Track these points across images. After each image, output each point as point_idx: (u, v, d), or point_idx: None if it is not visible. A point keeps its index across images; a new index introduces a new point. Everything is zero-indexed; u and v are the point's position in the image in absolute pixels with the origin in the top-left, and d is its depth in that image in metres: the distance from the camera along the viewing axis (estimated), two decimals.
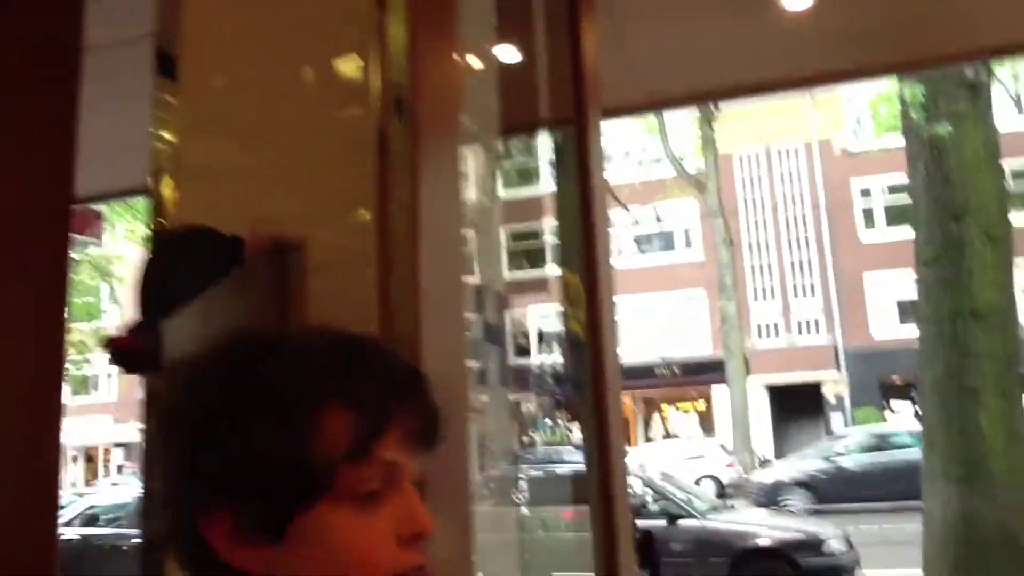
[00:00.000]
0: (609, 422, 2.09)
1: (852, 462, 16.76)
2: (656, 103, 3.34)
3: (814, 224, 25.93)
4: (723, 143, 23.42)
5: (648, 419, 28.70)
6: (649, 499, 10.01)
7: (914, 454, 13.80)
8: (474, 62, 1.77)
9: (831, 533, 9.78)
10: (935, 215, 7.14)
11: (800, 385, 25.14)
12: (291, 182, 1.32)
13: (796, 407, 25.13)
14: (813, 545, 9.49)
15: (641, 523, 8.79)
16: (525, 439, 29.82)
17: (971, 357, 6.82)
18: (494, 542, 1.71)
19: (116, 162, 1.87)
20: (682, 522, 9.79)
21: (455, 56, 1.32)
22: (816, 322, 25.73)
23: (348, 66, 1.27)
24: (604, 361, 2.09)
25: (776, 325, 26.14)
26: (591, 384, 2.11)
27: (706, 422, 27.22)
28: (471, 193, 2.14)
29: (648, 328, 27.47)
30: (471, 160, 2.07)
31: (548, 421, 29.82)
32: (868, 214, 24.95)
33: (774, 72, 3.43)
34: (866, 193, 24.89)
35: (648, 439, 27.30)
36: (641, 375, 27.04)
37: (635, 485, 10.35)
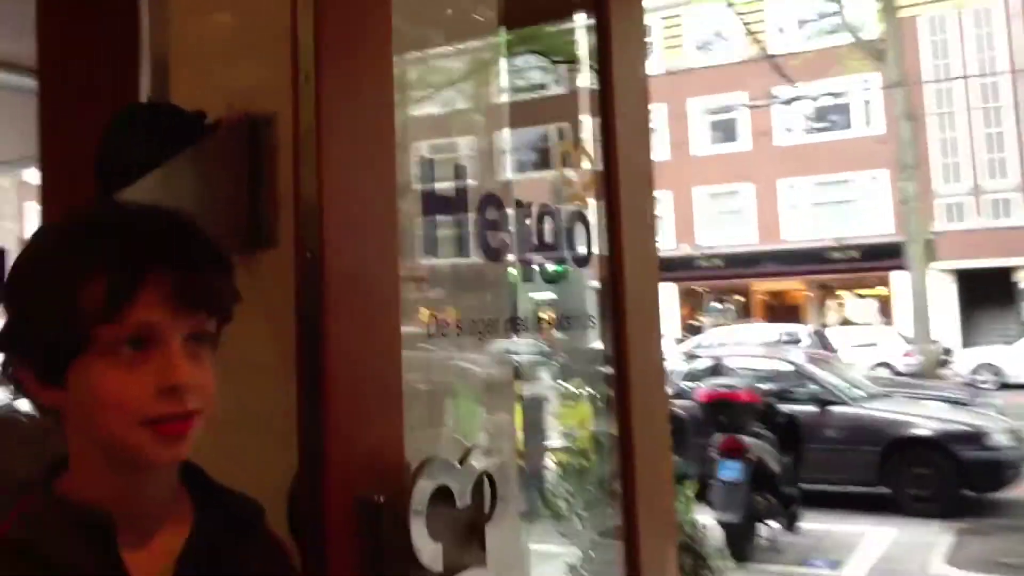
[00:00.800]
0: (626, 331, 2.09)
1: None
2: None
3: (1011, 93, 23.52)
4: (907, 6, 21.45)
5: (823, 305, 27.79)
6: (797, 384, 9.78)
7: None
8: None
9: (997, 426, 9.26)
10: None
11: (991, 270, 23.43)
12: (263, 56, 1.37)
13: (985, 295, 23.52)
14: (975, 437, 9.03)
15: (788, 408, 8.69)
16: (694, 322, 29.73)
17: None
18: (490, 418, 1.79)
19: None
20: (834, 408, 9.54)
21: None
22: (1011, 202, 23.67)
23: None
24: (621, 262, 2.06)
25: (965, 205, 24.27)
26: (610, 288, 2.10)
27: (886, 309, 26.04)
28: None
29: (824, 210, 26.26)
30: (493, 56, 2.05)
31: (718, 304, 29.48)
32: None
33: None
34: None
35: (823, 326, 26.50)
36: (815, 259, 26.05)
37: (781, 369, 10.14)
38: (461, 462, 1.28)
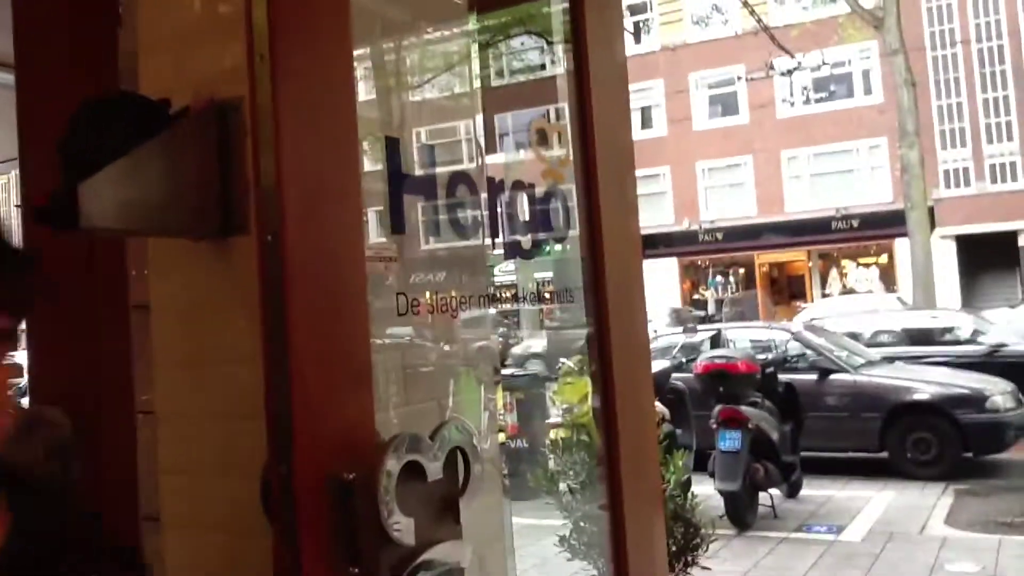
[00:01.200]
0: (607, 308, 2.10)
1: None
2: None
3: (1011, 56, 23.34)
4: None
5: (825, 275, 27.76)
6: (797, 354, 9.79)
7: None
8: None
9: (998, 389, 9.27)
10: None
11: (993, 235, 23.38)
12: (230, 40, 1.36)
13: (987, 259, 23.48)
14: (975, 401, 9.05)
15: (787, 377, 8.71)
16: (696, 296, 29.77)
17: None
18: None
19: None
20: (834, 377, 9.54)
21: None
22: (1012, 166, 23.57)
23: None
24: (600, 243, 2.07)
25: (966, 171, 24.18)
26: (590, 265, 2.11)
27: (888, 277, 26.02)
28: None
29: (825, 180, 26.18)
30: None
31: (719, 278, 29.48)
32: None
33: None
34: None
35: (825, 295, 26.48)
36: (817, 230, 26.01)
37: (780, 339, 10.16)
38: (432, 437, 1.31)
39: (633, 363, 2.27)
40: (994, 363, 10.49)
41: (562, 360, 3.75)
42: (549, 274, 2.21)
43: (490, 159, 2.06)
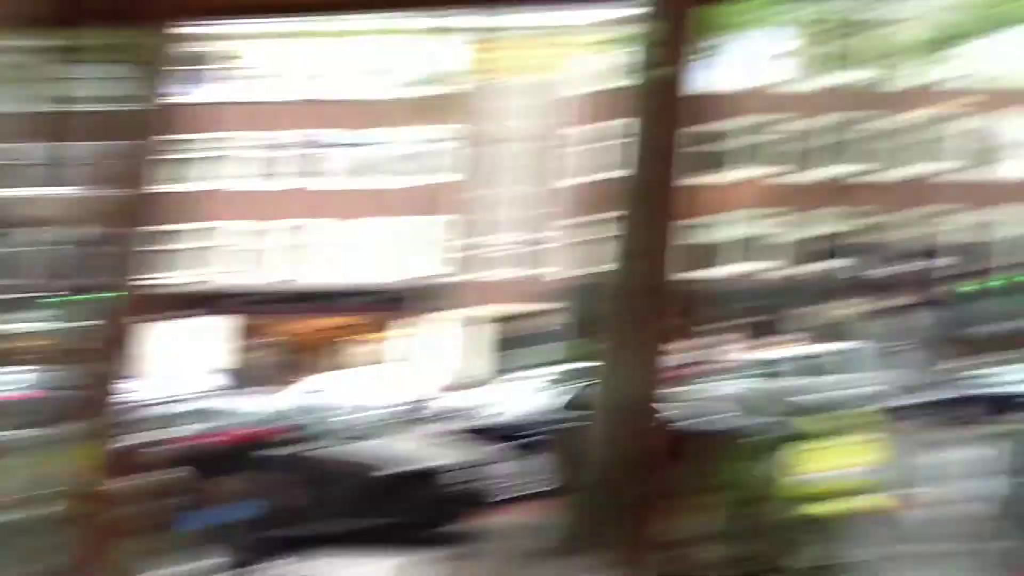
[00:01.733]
0: (111, 360, 2.10)
1: None
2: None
3: (537, 159, 26.82)
4: (478, 70, 23.70)
5: (346, 347, 28.27)
6: (299, 424, 9.98)
7: None
8: None
9: (456, 462, 9.95)
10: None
11: (521, 315, 26.11)
12: None
13: (518, 337, 26.00)
14: (445, 473, 9.65)
15: (288, 449, 8.94)
16: (246, 357, 28.82)
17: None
18: None
19: None
20: (315, 450, 9.66)
21: None
22: (536, 254, 26.82)
23: None
24: (122, 297, 2.10)
25: (496, 256, 26.90)
26: (109, 315, 2.11)
27: (409, 351, 27.34)
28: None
29: (360, 254, 27.38)
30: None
31: (260, 341, 28.98)
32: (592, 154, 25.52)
33: None
34: (606, 133, 25.75)
35: (345, 367, 26.71)
36: (344, 301, 26.94)
37: (289, 408, 10.39)
38: None
39: (104, 427, 2.27)
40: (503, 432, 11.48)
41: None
42: (59, 325, 2.14)
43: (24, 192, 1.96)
